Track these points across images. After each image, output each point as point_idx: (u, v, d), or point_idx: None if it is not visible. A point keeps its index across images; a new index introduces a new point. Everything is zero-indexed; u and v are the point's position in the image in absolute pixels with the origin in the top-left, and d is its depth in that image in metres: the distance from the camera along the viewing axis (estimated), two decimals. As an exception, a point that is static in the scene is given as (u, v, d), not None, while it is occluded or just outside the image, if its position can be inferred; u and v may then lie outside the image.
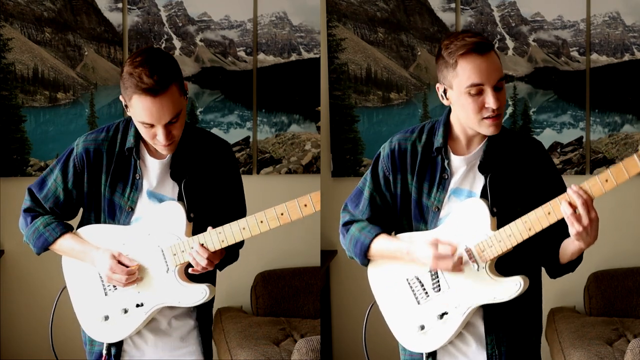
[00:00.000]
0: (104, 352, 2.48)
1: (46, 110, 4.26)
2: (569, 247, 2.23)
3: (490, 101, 2.17)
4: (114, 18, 4.26)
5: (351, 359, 4.36)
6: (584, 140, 4.24)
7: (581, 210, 2.10)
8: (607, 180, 2.08)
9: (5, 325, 4.28)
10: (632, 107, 4.24)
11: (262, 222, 2.33)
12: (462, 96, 2.19)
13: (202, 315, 2.54)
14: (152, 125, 2.28)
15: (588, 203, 2.10)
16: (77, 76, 4.27)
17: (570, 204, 2.11)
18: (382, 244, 2.36)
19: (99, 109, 4.27)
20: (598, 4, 4.21)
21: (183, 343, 2.53)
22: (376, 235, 2.36)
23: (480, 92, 2.17)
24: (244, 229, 2.35)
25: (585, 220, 2.10)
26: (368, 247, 2.37)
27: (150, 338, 2.51)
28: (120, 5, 4.25)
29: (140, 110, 2.26)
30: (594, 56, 4.23)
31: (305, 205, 2.30)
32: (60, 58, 4.26)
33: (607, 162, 4.15)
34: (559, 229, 2.20)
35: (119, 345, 2.49)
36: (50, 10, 4.24)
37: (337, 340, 4.38)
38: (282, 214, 2.31)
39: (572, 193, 2.11)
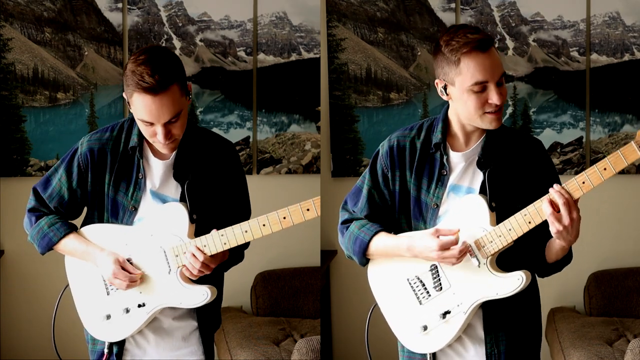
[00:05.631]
0: (106, 350, 2.49)
1: (46, 110, 4.26)
2: (553, 245, 2.24)
3: (493, 97, 2.18)
4: (114, 18, 4.26)
5: (351, 358, 4.36)
6: (584, 140, 4.24)
7: (562, 210, 2.12)
8: (605, 169, 2.10)
9: (6, 325, 4.28)
10: (632, 107, 4.24)
11: (264, 225, 2.33)
12: (465, 93, 2.20)
13: (204, 315, 2.54)
14: (152, 124, 2.29)
15: (570, 202, 2.12)
16: (77, 76, 4.27)
17: (552, 203, 2.12)
18: (381, 241, 2.34)
19: (99, 109, 4.27)
20: (598, 4, 4.21)
21: (185, 343, 2.53)
22: (376, 233, 2.35)
23: (483, 89, 2.18)
24: (246, 231, 2.35)
25: (566, 220, 2.12)
26: (367, 245, 2.36)
27: (152, 337, 2.51)
28: (120, 5, 4.25)
29: (141, 108, 2.27)
30: (594, 56, 4.23)
31: (308, 210, 2.30)
32: (60, 58, 4.26)
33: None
34: (543, 229, 2.20)
35: (121, 344, 2.49)
36: (50, 10, 4.24)
37: (337, 340, 4.38)
38: (284, 218, 2.32)
39: (553, 193, 2.13)
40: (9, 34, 4.22)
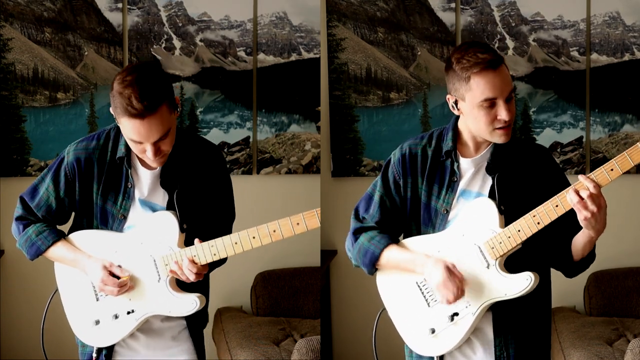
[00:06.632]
0: (94, 355, 2.48)
1: (46, 110, 4.26)
2: (580, 239, 2.27)
3: (502, 114, 2.24)
4: (114, 18, 4.26)
5: (351, 359, 4.36)
6: (584, 140, 4.24)
7: (589, 197, 2.15)
8: (612, 170, 2.16)
9: (5, 324, 4.28)
10: (632, 107, 4.24)
11: (254, 237, 2.36)
12: (475, 109, 2.26)
13: (193, 315, 2.52)
14: (141, 142, 2.28)
15: (597, 189, 2.16)
16: (77, 76, 4.27)
17: (577, 193, 2.15)
18: (392, 255, 2.38)
19: (99, 109, 4.27)
20: (598, 4, 4.21)
21: (175, 342, 2.53)
22: (386, 246, 2.39)
23: (492, 105, 2.24)
24: (235, 243, 2.36)
25: (592, 207, 2.14)
26: (378, 258, 2.39)
27: (142, 338, 2.51)
28: (120, 5, 4.25)
29: (129, 130, 2.26)
30: (594, 56, 4.23)
31: (298, 224, 2.33)
32: (60, 58, 4.26)
33: (607, 162, 4.14)
34: (568, 226, 2.24)
35: (110, 346, 2.49)
36: (50, 10, 4.24)
37: (337, 340, 4.38)
38: (274, 231, 2.35)
39: (583, 179, 2.17)
40: (9, 34, 4.22)
